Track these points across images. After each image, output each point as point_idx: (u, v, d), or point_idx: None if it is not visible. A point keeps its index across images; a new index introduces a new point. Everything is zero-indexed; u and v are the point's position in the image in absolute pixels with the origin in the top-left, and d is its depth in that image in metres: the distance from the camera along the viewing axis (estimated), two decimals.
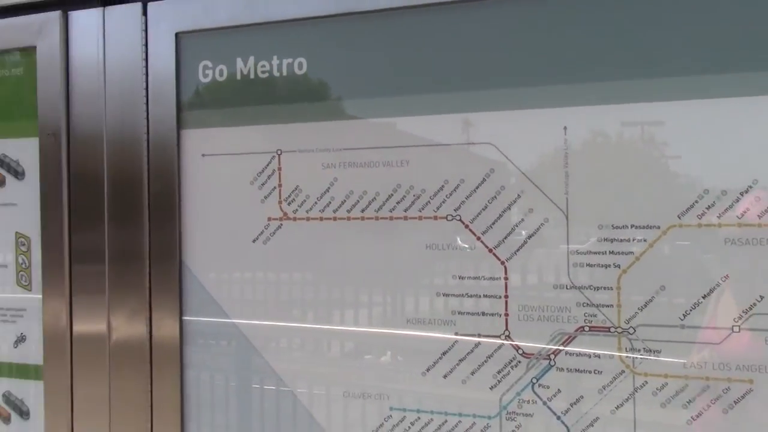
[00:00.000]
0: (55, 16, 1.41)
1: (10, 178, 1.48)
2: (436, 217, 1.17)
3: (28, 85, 1.45)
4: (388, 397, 1.20)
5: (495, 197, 1.13)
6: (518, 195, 1.11)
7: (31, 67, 1.44)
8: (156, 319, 1.34)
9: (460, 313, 1.16)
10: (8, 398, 1.49)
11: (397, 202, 1.19)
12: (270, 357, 1.28)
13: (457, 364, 1.15)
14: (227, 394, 1.32)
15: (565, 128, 1.08)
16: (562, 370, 1.10)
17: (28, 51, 1.45)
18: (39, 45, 1.43)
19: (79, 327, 1.41)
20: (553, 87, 1.09)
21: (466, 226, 1.15)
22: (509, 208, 1.12)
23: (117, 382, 1.37)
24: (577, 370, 1.09)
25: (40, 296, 1.44)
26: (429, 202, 1.17)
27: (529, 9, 1.11)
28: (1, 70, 1.49)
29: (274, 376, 1.27)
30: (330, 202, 1.23)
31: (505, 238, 1.12)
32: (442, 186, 1.16)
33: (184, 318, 1.33)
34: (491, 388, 1.13)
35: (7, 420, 1.49)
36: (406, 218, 1.19)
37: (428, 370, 1.18)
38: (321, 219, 1.24)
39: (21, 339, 1.48)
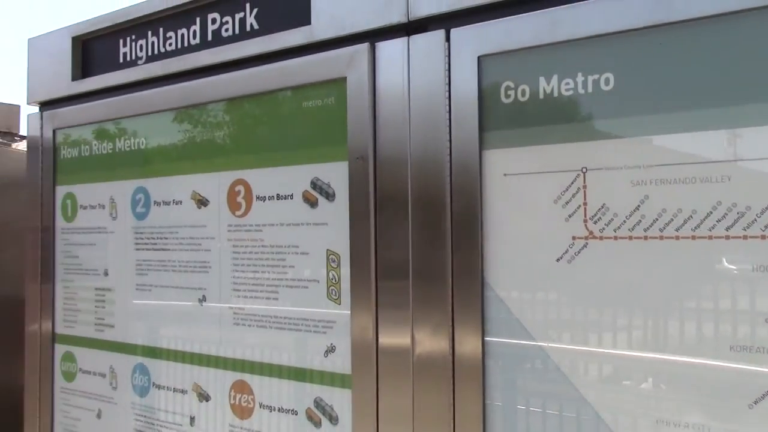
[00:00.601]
0: (363, 48, 1.73)
1: (322, 200, 1.82)
2: (764, 237, 1.22)
3: (339, 113, 1.77)
4: (709, 429, 1.28)
5: None
6: None
7: (341, 97, 1.77)
8: (458, 336, 1.56)
9: None
10: (319, 404, 1.83)
11: (717, 221, 1.27)
12: (579, 383, 1.41)
13: None
14: (532, 418, 1.49)
15: None
16: None
17: (339, 81, 1.78)
18: (349, 75, 1.75)
19: (384, 339, 1.68)
20: None
21: None
22: None
23: (420, 395, 1.62)
24: None
25: (349, 309, 1.75)
26: (755, 220, 1.23)
27: None
28: (314, 100, 1.84)
29: (584, 404, 1.40)
30: (640, 221, 1.35)
31: None
32: None
33: (487, 338, 1.53)
34: None
35: (318, 424, 1.83)
36: (727, 237, 1.26)
37: (756, 402, 1.23)
38: (630, 238, 1.36)
39: (331, 349, 1.80)
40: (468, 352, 1.55)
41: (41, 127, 2.60)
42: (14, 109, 3.67)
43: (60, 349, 2.54)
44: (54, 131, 2.56)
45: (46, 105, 2.62)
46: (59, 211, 2.56)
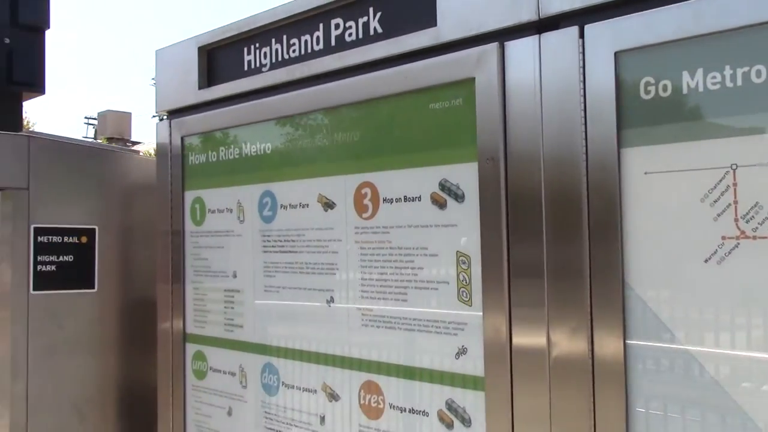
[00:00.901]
0: (492, 47, 1.73)
1: (451, 201, 1.84)
2: None
3: (467, 114, 1.79)
4: None
5: None
6: None
7: (469, 97, 1.79)
8: (597, 337, 1.55)
9: None
10: (451, 406, 1.85)
11: None
12: (732, 389, 1.37)
13: None
14: (679, 425, 1.45)
15: None
16: None
17: (467, 82, 1.79)
18: (477, 76, 1.76)
19: (518, 340, 1.69)
20: None
21: None
22: None
23: (558, 398, 1.61)
24: None
25: (480, 311, 1.76)
26: None
27: None
28: (441, 102, 1.87)
29: (739, 413, 1.36)
30: None
31: None
32: None
33: (628, 341, 1.51)
34: None
35: (450, 426, 1.85)
36: None
37: None
38: None
39: (462, 351, 1.82)
40: (609, 354, 1.53)
41: (170, 135, 2.74)
42: (126, 117, 3.89)
43: (191, 348, 2.68)
44: (182, 138, 2.69)
45: (173, 113, 2.76)
46: (188, 215, 2.69)
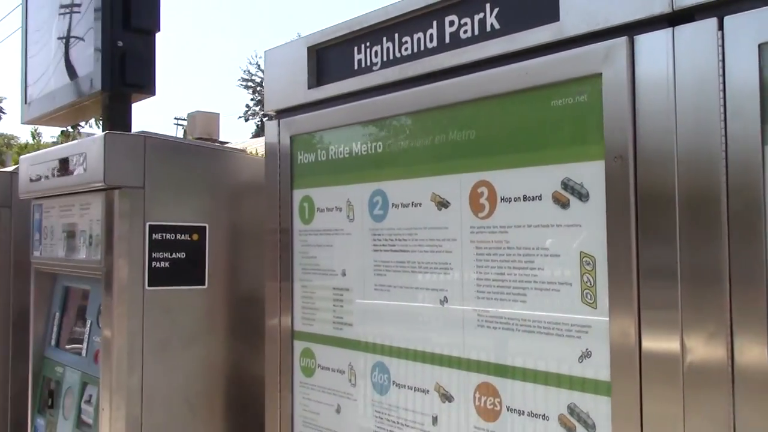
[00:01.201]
0: (620, 42, 1.69)
1: (574, 201, 1.81)
2: None
3: (592, 111, 1.75)
4: None
5: None
6: None
7: (595, 94, 1.75)
8: (738, 344, 1.49)
9: None
10: (573, 410, 1.81)
11: None
12: None
13: None
14: None
15: None
16: None
17: (592, 78, 1.75)
18: (604, 71, 1.72)
19: (648, 345, 1.64)
20: None
21: None
22: None
23: (693, 407, 1.55)
24: None
25: (606, 314, 1.72)
26: None
27: None
28: (564, 99, 1.83)
29: None
30: None
31: None
32: None
33: None
34: None
35: (571, 431, 1.82)
36: None
37: None
38: None
39: (586, 355, 1.78)
40: (751, 362, 1.47)
41: (278, 134, 2.79)
42: (214, 118, 3.99)
43: (299, 345, 2.72)
44: (291, 138, 2.73)
45: (282, 113, 2.81)
46: (297, 213, 2.73)
